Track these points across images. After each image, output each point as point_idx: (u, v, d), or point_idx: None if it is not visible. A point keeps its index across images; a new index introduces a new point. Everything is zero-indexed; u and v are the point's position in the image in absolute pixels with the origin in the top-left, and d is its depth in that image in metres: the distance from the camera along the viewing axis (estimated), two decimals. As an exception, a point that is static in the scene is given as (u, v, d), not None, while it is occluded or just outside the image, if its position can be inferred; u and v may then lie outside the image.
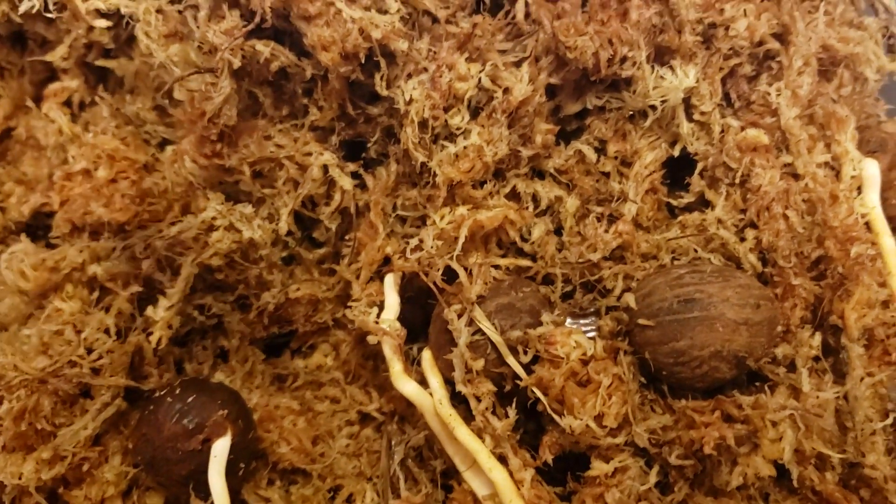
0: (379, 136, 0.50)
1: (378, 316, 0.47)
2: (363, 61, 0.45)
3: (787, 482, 0.43)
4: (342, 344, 0.52)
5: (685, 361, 0.41)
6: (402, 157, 0.49)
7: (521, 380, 0.43)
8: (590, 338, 0.43)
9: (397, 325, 0.46)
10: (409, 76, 0.46)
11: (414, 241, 0.45)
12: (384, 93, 0.46)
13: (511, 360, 0.43)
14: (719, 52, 0.49)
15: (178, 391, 0.44)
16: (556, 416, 0.42)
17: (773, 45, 0.50)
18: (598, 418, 0.41)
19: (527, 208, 0.48)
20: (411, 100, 0.46)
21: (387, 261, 0.48)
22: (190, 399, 0.43)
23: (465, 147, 0.45)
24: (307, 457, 0.48)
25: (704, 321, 0.41)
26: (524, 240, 0.48)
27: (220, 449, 0.43)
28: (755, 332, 0.42)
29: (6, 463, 0.44)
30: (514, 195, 0.48)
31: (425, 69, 0.46)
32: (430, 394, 0.45)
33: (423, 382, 0.46)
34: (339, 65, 0.45)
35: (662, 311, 0.42)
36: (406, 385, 0.46)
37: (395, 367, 0.46)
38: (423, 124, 0.45)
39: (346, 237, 0.50)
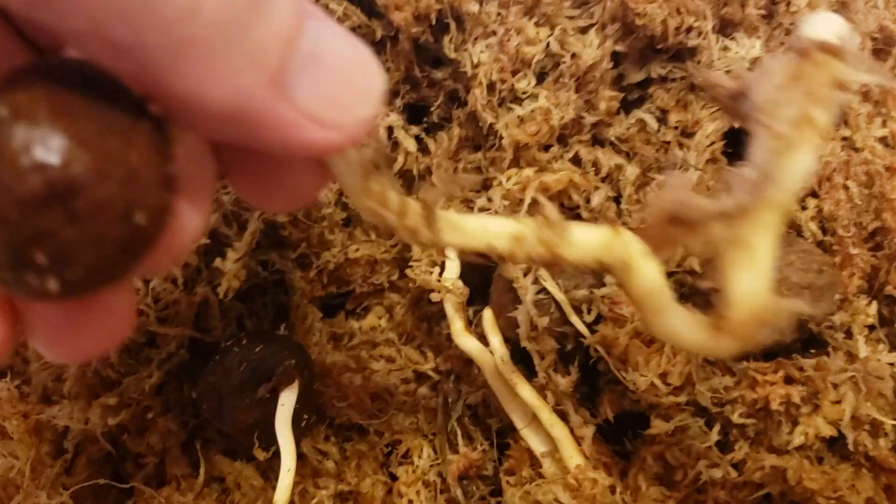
0: (442, 100, 0.50)
1: (439, 276, 0.48)
2: (433, 23, 0.46)
3: (838, 448, 0.44)
4: (396, 306, 0.53)
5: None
6: (466, 121, 0.50)
7: (583, 339, 0.44)
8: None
9: (460, 283, 0.47)
10: (477, 39, 0.47)
11: (481, 201, 0.46)
12: (452, 55, 0.47)
13: (575, 318, 0.44)
14: (781, 26, 0.50)
15: (245, 341, 0.45)
16: (619, 374, 0.43)
17: (833, 21, 0.50)
18: (663, 376, 0.42)
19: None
20: (479, 63, 0.46)
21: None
22: (258, 349, 0.44)
23: (531, 110, 0.46)
24: (365, 412, 0.49)
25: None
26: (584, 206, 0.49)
27: (288, 397, 0.43)
28: (817, 297, 0.42)
29: (72, 408, 0.45)
30: (575, 161, 0.49)
31: (493, 33, 0.47)
32: (491, 352, 0.46)
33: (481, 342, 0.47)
34: (410, 25, 0.45)
35: (727, 273, 0.42)
36: (468, 342, 0.47)
37: (457, 325, 0.47)
38: (490, 87, 0.46)
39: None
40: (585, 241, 0.31)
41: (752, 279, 0.29)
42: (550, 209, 0.31)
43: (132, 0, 0.19)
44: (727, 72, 0.47)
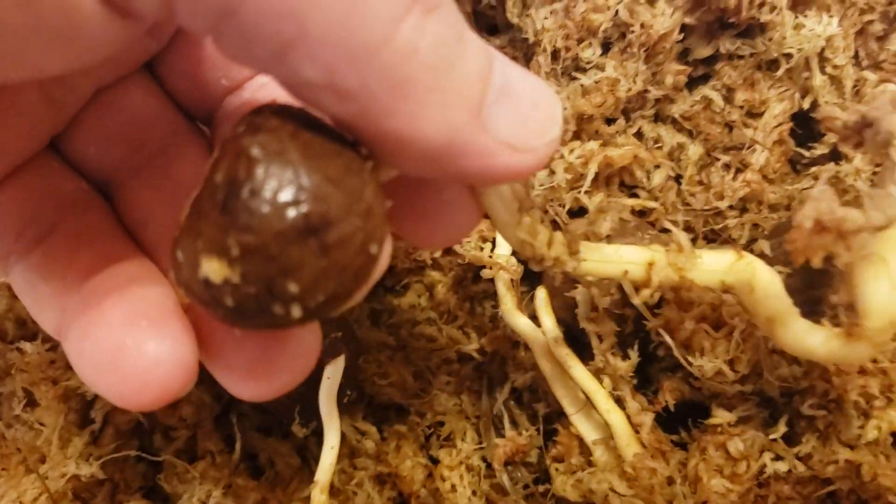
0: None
1: (491, 252, 0.46)
2: (495, -13, 0.44)
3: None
4: (437, 284, 0.51)
5: (823, 311, 0.40)
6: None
7: (645, 321, 0.42)
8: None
9: (514, 259, 0.45)
10: (542, 5, 0.45)
11: (542, 174, 0.44)
12: (514, 20, 0.45)
13: (637, 300, 0.42)
14: (855, 6, 0.47)
15: (289, 311, 0.42)
16: (683, 360, 0.41)
17: (907, 4, 0.49)
18: (730, 363, 0.40)
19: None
20: (543, 29, 0.44)
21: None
22: (303, 319, 0.42)
23: (596, 81, 0.44)
24: (406, 392, 0.47)
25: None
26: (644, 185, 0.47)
27: (334, 371, 0.41)
28: (893, 286, 0.41)
29: (104, 376, 0.43)
30: (638, 137, 0.47)
31: (559, -1, 0.45)
32: (543, 333, 0.44)
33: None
34: None
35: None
36: (519, 321, 0.44)
37: (508, 304, 0.45)
38: (554, 54, 0.44)
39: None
40: (712, 265, 0.35)
41: (888, 289, 0.32)
42: (682, 237, 0.35)
43: (360, 47, 0.20)
44: (799, 50, 0.45)
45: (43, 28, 0.20)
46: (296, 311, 0.21)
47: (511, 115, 0.24)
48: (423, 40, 0.21)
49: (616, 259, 0.35)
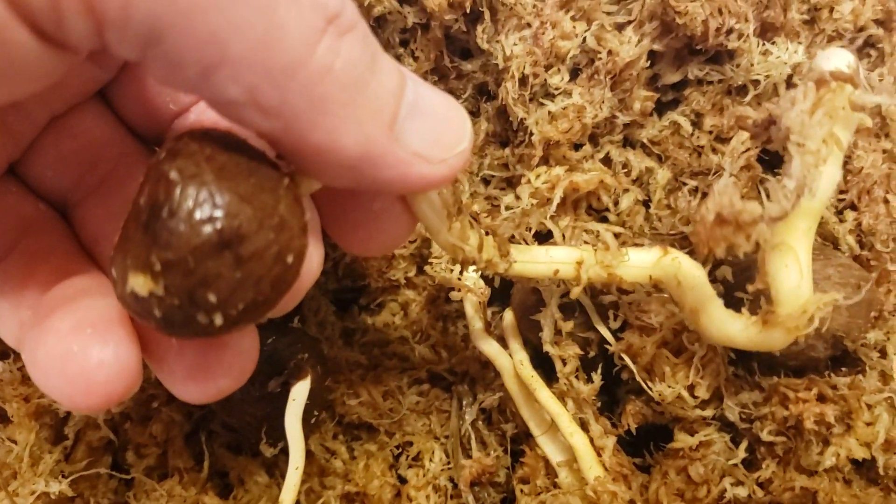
0: (470, 92, 0.49)
1: (460, 275, 0.46)
2: (468, 11, 0.44)
3: (865, 471, 0.43)
4: (412, 303, 0.51)
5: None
6: (494, 116, 0.49)
7: (607, 346, 0.42)
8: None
9: (482, 282, 0.45)
10: (511, 31, 0.45)
11: (508, 199, 0.44)
12: (484, 46, 0.46)
13: (600, 325, 0.42)
14: (823, 32, 0.48)
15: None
16: (644, 385, 0.41)
17: (876, 31, 0.49)
18: (690, 388, 0.40)
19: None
20: (511, 55, 0.45)
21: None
22: (270, 340, 0.42)
23: (564, 107, 0.44)
24: (376, 411, 0.47)
25: (805, 297, 0.40)
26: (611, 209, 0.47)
27: (300, 392, 0.42)
28: (854, 313, 0.41)
29: (74, 393, 0.44)
30: (606, 162, 0.47)
31: (528, 25, 0.45)
32: (510, 355, 0.45)
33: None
34: (444, 12, 0.44)
35: (762, 284, 0.41)
36: (486, 344, 0.45)
37: (476, 325, 0.46)
38: (522, 81, 0.45)
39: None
40: (639, 261, 0.37)
41: (796, 277, 0.34)
42: (609, 237, 0.37)
43: (279, 68, 0.22)
44: (766, 76, 0.46)
45: None
46: (218, 320, 0.23)
47: (423, 128, 0.26)
48: (338, 60, 0.23)
49: (546, 259, 0.37)
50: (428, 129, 0.26)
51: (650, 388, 0.41)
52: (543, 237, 0.45)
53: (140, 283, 0.23)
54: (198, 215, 0.22)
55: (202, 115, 0.34)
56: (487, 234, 0.36)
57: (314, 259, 0.29)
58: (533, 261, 0.37)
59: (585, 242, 0.44)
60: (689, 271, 0.36)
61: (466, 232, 0.34)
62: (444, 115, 0.27)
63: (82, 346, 0.26)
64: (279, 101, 0.23)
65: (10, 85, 0.23)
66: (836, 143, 0.34)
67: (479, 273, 0.46)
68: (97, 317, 0.27)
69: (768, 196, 0.33)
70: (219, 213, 0.22)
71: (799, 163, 0.33)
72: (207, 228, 0.22)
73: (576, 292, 0.38)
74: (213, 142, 0.24)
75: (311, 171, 0.26)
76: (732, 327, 0.36)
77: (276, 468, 0.46)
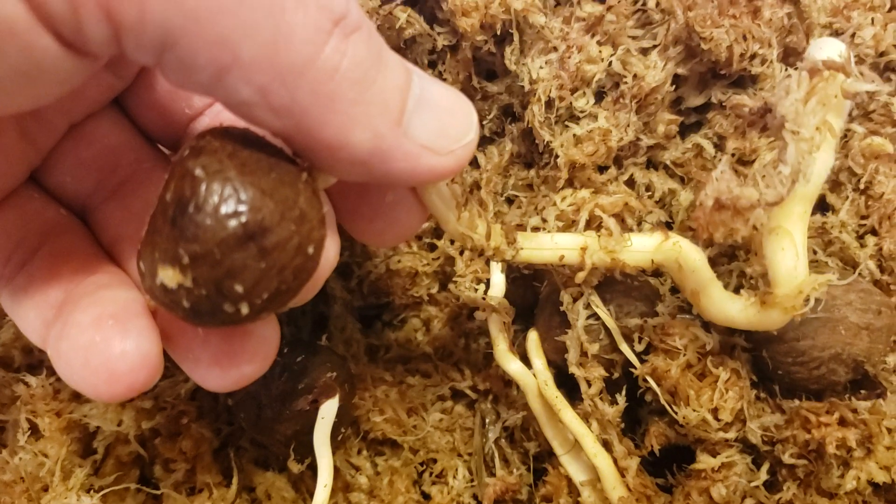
0: (495, 113, 0.49)
1: (484, 293, 0.47)
2: (497, 32, 0.45)
3: (883, 493, 0.43)
4: (434, 320, 0.52)
5: (804, 361, 0.41)
6: (518, 137, 0.49)
7: (632, 368, 0.43)
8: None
9: (506, 302, 0.46)
10: (537, 55, 0.46)
11: (535, 220, 0.45)
12: (512, 67, 0.46)
13: (625, 347, 0.43)
14: (845, 57, 0.48)
15: (286, 350, 0.44)
16: (669, 407, 0.42)
17: (896, 56, 0.50)
18: (714, 412, 0.41)
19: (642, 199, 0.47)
20: (538, 78, 0.45)
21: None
22: (299, 359, 0.43)
23: (589, 130, 0.45)
24: (400, 428, 0.48)
25: (827, 322, 0.41)
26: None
27: (328, 411, 0.42)
28: (875, 338, 0.41)
29: (105, 409, 0.44)
30: (629, 184, 0.48)
31: (554, 49, 0.46)
32: (534, 375, 0.45)
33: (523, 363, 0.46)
34: (475, 33, 0.44)
35: (785, 309, 0.42)
36: (511, 363, 0.46)
37: (501, 345, 0.46)
38: (549, 104, 0.45)
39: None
40: (641, 246, 0.39)
41: (792, 259, 0.35)
42: (611, 223, 0.40)
43: (288, 68, 0.23)
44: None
45: (8, 69, 0.22)
46: (244, 308, 0.25)
47: (430, 122, 0.27)
48: (345, 60, 0.24)
49: (551, 246, 0.39)
50: (435, 122, 0.27)
51: (675, 412, 0.41)
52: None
53: (169, 276, 0.24)
54: (223, 210, 0.23)
55: (216, 117, 0.35)
56: (494, 222, 0.37)
57: (331, 250, 0.30)
58: (539, 247, 0.39)
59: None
60: (689, 255, 0.38)
61: (475, 221, 0.35)
62: (450, 107, 0.28)
63: (104, 337, 0.28)
64: (289, 100, 0.24)
65: (34, 89, 0.24)
66: (830, 130, 0.35)
67: (503, 292, 0.47)
68: (118, 309, 0.29)
69: (765, 182, 0.35)
70: (243, 208, 0.23)
71: (794, 150, 0.35)
72: (233, 222, 0.23)
73: (580, 277, 0.40)
74: (233, 139, 0.25)
75: (324, 166, 0.27)
76: (732, 308, 0.37)
77: (303, 483, 0.47)
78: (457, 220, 0.34)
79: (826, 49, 0.35)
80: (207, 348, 0.29)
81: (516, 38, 0.45)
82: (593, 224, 0.46)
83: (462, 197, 0.34)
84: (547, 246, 0.38)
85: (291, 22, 0.23)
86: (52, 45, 0.22)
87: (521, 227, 0.44)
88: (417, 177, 0.27)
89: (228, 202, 0.23)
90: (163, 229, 0.25)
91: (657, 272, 0.47)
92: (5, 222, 0.32)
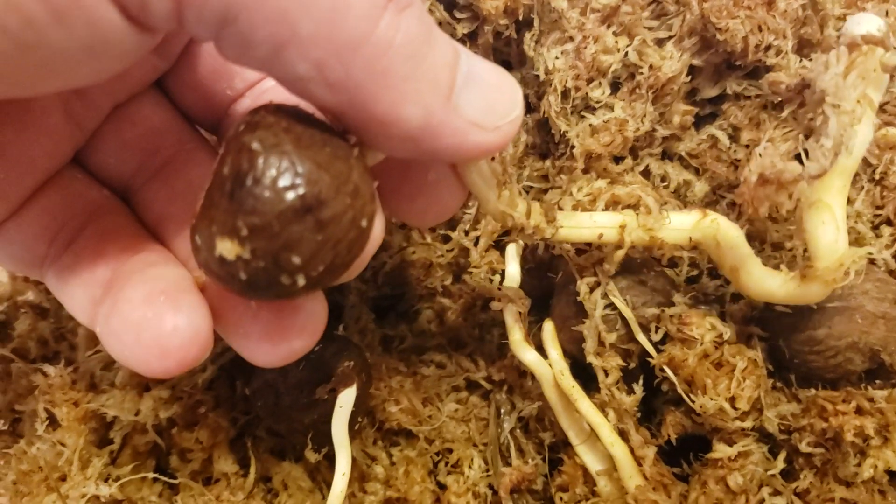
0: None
1: (500, 285, 0.47)
2: (520, 17, 0.45)
3: (898, 483, 0.43)
4: (447, 311, 0.52)
5: (820, 350, 0.41)
6: (533, 128, 0.49)
7: (649, 358, 0.43)
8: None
9: (521, 292, 0.46)
10: (553, 44, 0.46)
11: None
12: (531, 54, 0.46)
13: (641, 337, 0.43)
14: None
15: (303, 340, 0.44)
16: (686, 396, 0.42)
17: (910, 47, 0.50)
18: (731, 401, 0.41)
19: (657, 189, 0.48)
20: (553, 69, 0.45)
21: (509, 231, 0.48)
22: (317, 348, 0.43)
23: (605, 120, 0.45)
24: (416, 418, 0.48)
25: (844, 311, 0.41)
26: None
27: (346, 400, 0.42)
28: (891, 327, 0.42)
29: (123, 398, 0.44)
30: (645, 174, 0.48)
31: (570, 39, 0.46)
32: (550, 365, 0.45)
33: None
34: (499, 16, 0.44)
35: (802, 298, 0.42)
36: (527, 353, 0.46)
37: (516, 335, 0.46)
38: (565, 94, 0.45)
39: (469, 204, 0.50)
40: (679, 224, 0.39)
41: (833, 232, 0.36)
42: (650, 201, 0.39)
43: (344, 43, 0.23)
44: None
45: (75, 42, 0.22)
46: (301, 281, 0.25)
47: (478, 98, 0.27)
48: (398, 35, 0.24)
49: (591, 224, 0.39)
50: (482, 99, 0.27)
51: (692, 401, 0.41)
52: (582, 250, 0.46)
53: (227, 248, 0.24)
54: (281, 182, 0.24)
55: (258, 99, 0.35)
56: (533, 199, 0.38)
57: (378, 227, 0.30)
58: (578, 226, 0.39)
59: (627, 255, 0.45)
60: (727, 231, 0.38)
61: (515, 199, 0.35)
62: (497, 84, 0.28)
63: (156, 312, 0.28)
64: (345, 75, 0.24)
65: (97, 63, 0.24)
66: (869, 104, 0.36)
67: (518, 283, 0.47)
68: (169, 285, 0.29)
69: (808, 156, 0.36)
70: (300, 181, 0.24)
71: (835, 123, 0.35)
72: (290, 194, 0.24)
73: (619, 255, 0.40)
74: (287, 115, 0.26)
75: (373, 142, 0.27)
76: (772, 283, 0.38)
77: (319, 473, 0.47)
78: (497, 198, 0.35)
79: (864, 24, 0.36)
80: (257, 323, 0.30)
81: (537, 23, 0.45)
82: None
83: (502, 175, 0.34)
84: (586, 224, 0.39)
85: None
86: (117, 19, 0.22)
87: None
88: (465, 153, 0.27)
89: (286, 175, 0.24)
90: (220, 203, 0.25)
91: (672, 262, 0.48)
92: (50, 203, 0.32)
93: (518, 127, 0.29)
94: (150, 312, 0.28)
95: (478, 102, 0.27)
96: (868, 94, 0.36)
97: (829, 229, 0.36)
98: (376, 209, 0.27)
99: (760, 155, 0.34)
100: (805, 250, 0.38)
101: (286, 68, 0.24)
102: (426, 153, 0.27)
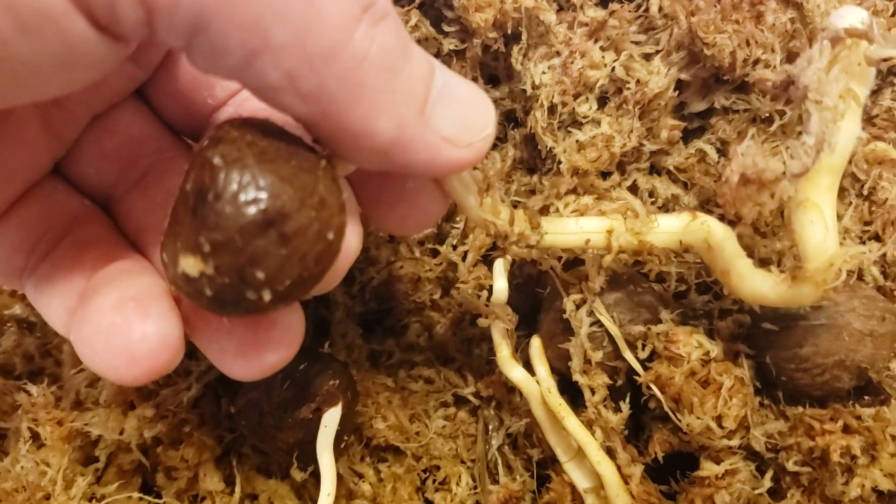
0: (497, 119, 0.49)
1: (487, 300, 0.47)
2: (508, 31, 0.45)
3: (888, 500, 0.43)
4: (436, 325, 0.52)
5: (807, 368, 0.41)
6: (521, 143, 0.49)
7: (636, 375, 0.43)
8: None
9: (508, 309, 0.46)
10: (540, 59, 0.46)
11: (537, 227, 0.45)
12: (518, 68, 0.46)
13: (628, 354, 0.43)
14: (848, 62, 0.48)
15: (288, 358, 0.43)
16: (673, 415, 0.42)
17: (899, 60, 0.49)
18: (718, 419, 0.41)
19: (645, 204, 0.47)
20: (540, 84, 0.45)
21: (496, 245, 0.48)
22: (302, 366, 0.43)
23: (592, 136, 0.45)
24: (403, 434, 0.48)
25: (831, 329, 0.41)
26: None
27: (331, 419, 0.42)
28: (879, 344, 0.41)
29: (107, 417, 0.44)
30: (632, 189, 0.48)
31: (557, 53, 0.45)
32: (537, 382, 0.45)
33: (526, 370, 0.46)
34: (488, 30, 0.44)
35: (789, 315, 0.41)
36: (514, 370, 0.45)
37: (503, 352, 0.46)
38: (551, 109, 0.45)
39: (457, 219, 0.50)
40: (669, 227, 0.38)
41: (822, 232, 0.35)
42: (637, 204, 0.38)
43: (317, 54, 0.23)
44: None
45: (45, 54, 0.22)
46: (267, 295, 0.25)
47: (451, 114, 0.27)
48: (373, 47, 0.24)
49: (576, 229, 0.38)
50: (455, 114, 0.27)
51: (678, 419, 0.41)
52: (570, 263, 0.46)
53: (191, 265, 0.24)
54: (242, 197, 0.23)
55: (239, 107, 0.35)
56: (516, 207, 0.37)
57: (353, 238, 0.30)
58: (564, 231, 0.38)
59: (614, 272, 0.45)
60: (718, 234, 0.37)
61: (497, 206, 0.35)
62: (471, 100, 0.28)
63: (125, 319, 0.28)
64: (317, 86, 0.23)
65: (68, 74, 0.24)
66: (854, 98, 0.35)
67: (506, 298, 0.47)
68: (139, 292, 0.29)
69: (790, 154, 0.34)
70: (262, 195, 0.23)
71: (818, 119, 0.34)
72: (252, 209, 0.23)
73: (608, 260, 0.39)
74: (252, 128, 0.26)
75: (345, 154, 0.27)
76: (763, 285, 0.37)
77: (306, 491, 0.47)
78: (479, 206, 0.34)
79: (848, 17, 0.35)
80: (232, 338, 0.29)
81: (525, 36, 0.45)
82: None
83: (484, 183, 0.33)
84: (572, 230, 0.38)
85: (322, 7, 0.23)
86: (87, 30, 0.22)
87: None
88: (437, 168, 0.27)
89: (247, 189, 0.23)
90: (184, 219, 0.25)
91: (660, 277, 0.47)
92: (29, 214, 0.32)
93: (490, 144, 0.29)
94: (119, 319, 0.28)
95: (451, 118, 0.27)
96: (852, 88, 0.35)
97: (817, 229, 0.35)
98: (345, 221, 0.26)
99: (742, 154, 0.33)
100: (794, 249, 0.37)
101: (258, 77, 0.24)
102: (398, 166, 0.27)
